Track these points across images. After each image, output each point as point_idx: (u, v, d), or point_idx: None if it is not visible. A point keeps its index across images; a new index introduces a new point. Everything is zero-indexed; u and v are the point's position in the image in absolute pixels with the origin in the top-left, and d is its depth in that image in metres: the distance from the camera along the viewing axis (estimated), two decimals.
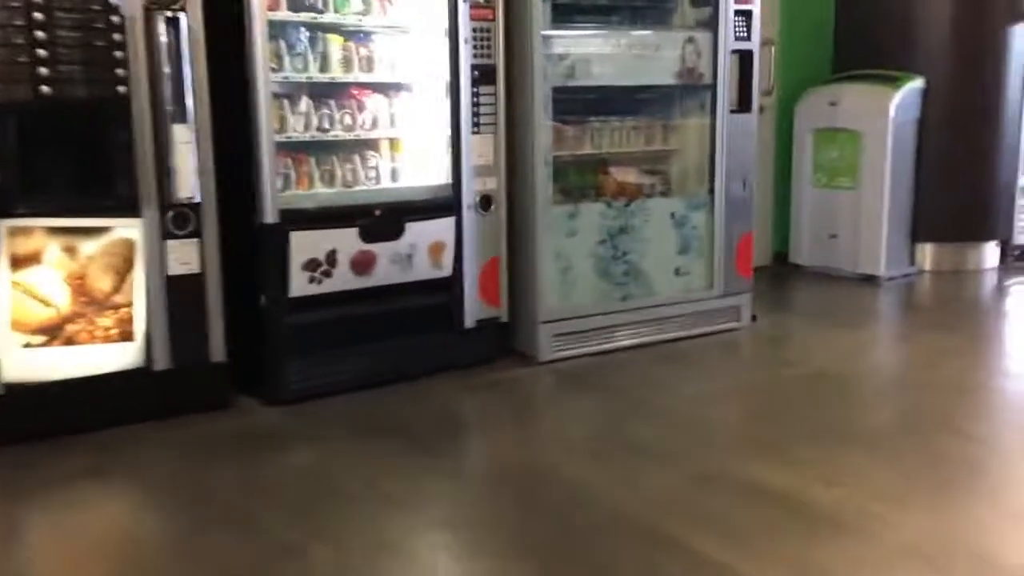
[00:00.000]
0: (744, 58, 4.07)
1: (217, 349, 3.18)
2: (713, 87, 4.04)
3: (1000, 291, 5.17)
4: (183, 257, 3.07)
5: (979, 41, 5.26)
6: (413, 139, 3.63)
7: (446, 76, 3.53)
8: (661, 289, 4.04)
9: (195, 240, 3.08)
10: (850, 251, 5.33)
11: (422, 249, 3.52)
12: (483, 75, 3.57)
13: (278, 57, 3.25)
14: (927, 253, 5.47)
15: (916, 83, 5.16)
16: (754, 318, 4.30)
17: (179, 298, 3.08)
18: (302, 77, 3.34)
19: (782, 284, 5.24)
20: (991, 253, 5.50)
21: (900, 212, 5.26)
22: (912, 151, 5.24)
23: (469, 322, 3.70)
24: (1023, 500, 2.57)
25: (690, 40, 3.99)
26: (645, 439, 2.98)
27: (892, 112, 5.09)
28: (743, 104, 4.10)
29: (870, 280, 5.24)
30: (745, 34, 4.05)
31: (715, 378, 3.66)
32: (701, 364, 3.84)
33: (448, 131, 3.56)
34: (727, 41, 4.01)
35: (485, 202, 3.66)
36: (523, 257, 3.80)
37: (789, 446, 2.88)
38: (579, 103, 3.87)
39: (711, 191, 4.10)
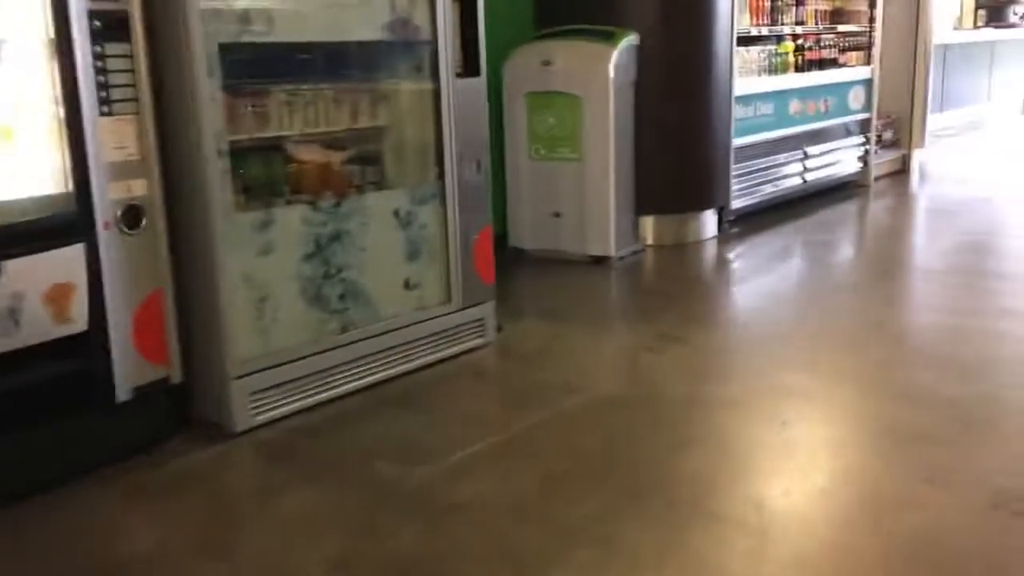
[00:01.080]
0: (466, 6, 3.20)
1: None
2: (433, 44, 3.12)
3: (722, 264, 4.83)
4: None
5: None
6: None
7: (49, 27, 2.28)
8: (389, 310, 3.09)
9: None
10: (576, 231, 4.71)
11: (33, 298, 2.27)
12: (108, 26, 2.37)
13: None
14: (649, 226, 5.01)
15: (631, 39, 4.61)
16: (500, 328, 3.50)
17: None
18: None
19: (510, 276, 4.50)
20: (710, 222, 5.17)
21: (625, 184, 4.72)
22: (632, 116, 4.70)
23: (123, 392, 2.52)
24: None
25: None
26: (408, 557, 2.06)
27: (611, 73, 4.50)
28: (470, 66, 3.23)
29: (601, 262, 4.67)
30: None
31: (480, 427, 2.79)
32: (454, 406, 2.96)
33: (61, 112, 2.33)
34: None
35: (131, 215, 2.48)
36: (198, 288, 2.67)
37: (628, 533, 2.09)
38: (259, 66, 2.77)
39: (440, 177, 3.20)
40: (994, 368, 3.11)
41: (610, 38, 4.56)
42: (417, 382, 3.10)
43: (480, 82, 3.26)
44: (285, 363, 2.80)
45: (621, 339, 3.61)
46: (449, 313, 3.27)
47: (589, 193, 4.65)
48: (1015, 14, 11.50)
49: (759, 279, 4.47)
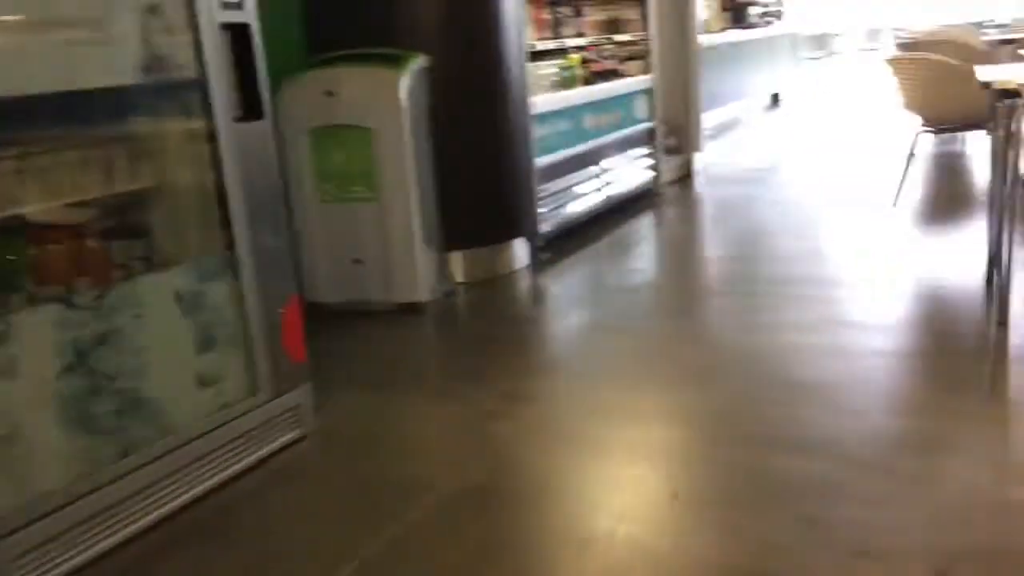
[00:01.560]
0: (240, 35, 2.63)
1: None
2: (203, 85, 2.53)
3: (543, 298, 4.51)
4: None
5: (472, 9, 4.46)
6: None
7: None
8: (182, 417, 2.48)
9: None
10: (381, 277, 4.22)
11: None
12: None
13: None
14: (459, 263, 4.61)
15: (420, 62, 4.18)
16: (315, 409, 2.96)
17: None
18: None
19: (312, 337, 3.91)
20: (522, 251, 4.84)
21: (429, 220, 4.28)
22: (429, 145, 4.27)
23: None
24: None
25: (152, 9, 2.43)
26: None
27: (404, 100, 4.04)
28: (251, 108, 2.66)
29: (413, 310, 4.21)
30: (236, 4, 2.61)
31: (310, 561, 2.24)
32: (274, 532, 2.39)
33: None
34: (211, 8, 2.53)
35: None
36: None
37: None
38: None
39: (230, 245, 2.62)
40: (863, 392, 2.95)
41: (397, 62, 4.11)
42: (225, 503, 2.50)
43: (265, 126, 2.71)
44: (51, 512, 2.14)
45: (462, 406, 3.15)
46: (258, 407, 2.70)
47: (391, 234, 4.17)
48: (756, 16, 12.15)
49: (583, 311, 4.18)
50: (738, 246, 5.11)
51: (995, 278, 3.72)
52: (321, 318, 4.18)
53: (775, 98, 12.64)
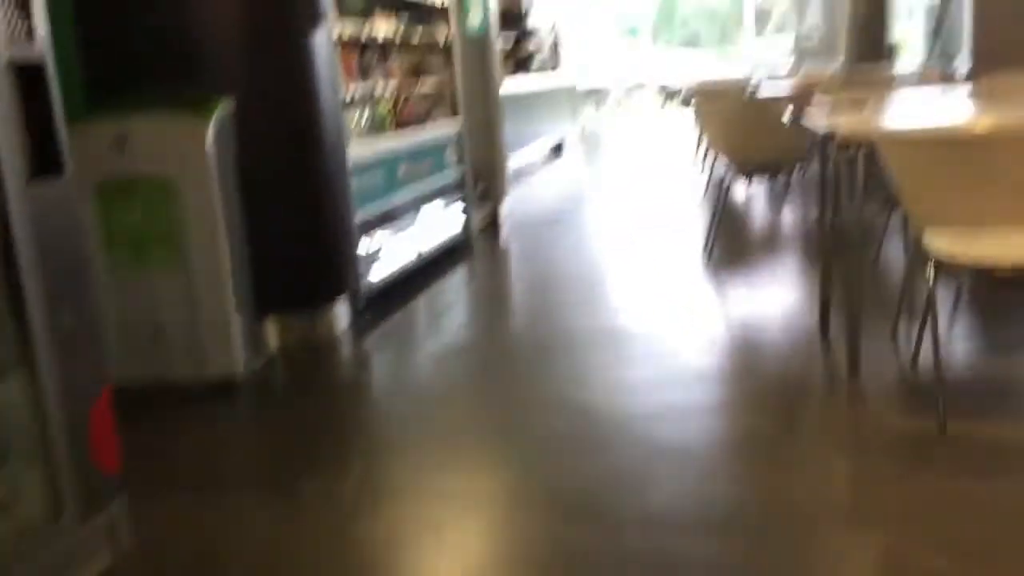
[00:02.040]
0: (31, 77, 2.13)
1: None
2: None
3: (371, 365, 4.15)
4: None
5: (281, 50, 4.06)
6: None
7: None
8: None
9: None
10: (187, 350, 3.69)
11: None
12: None
13: None
14: (276, 330, 4.15)
15: (227, 107, 3.73)
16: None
17: None
18: None
19: None
20: (343, 312, 4.44)
21: (242, 284, 3.81)
22: (239, 200, 3.81)
23: None
24: None
25: None
26: None
27: (211, 149, 3.58)
28: (48, 161, 2.16)
29: (226, 387, 3.70)
30: (26, 34, 2.11)
31: None
32: None
33: None
34: None
35: None
36: None
37: None
38: None
39: (21, 333, 2.08)
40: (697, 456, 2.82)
41: (201, 107, 3.64)
42: None
43: (64, 183, 2.21)
44: None
45: (318, 509, 2.68)
46: (62, 534, 2.16)
47: (199, 302, 3.66)
48: (537, 67, 12.38)
49: (412, 380, 3.86)
50: (554, 299, 4.96)
51: (830, 325, 3.77)
52: (118, 403, 3.57)
53: (558, 147, 12.91)
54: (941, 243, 2.64)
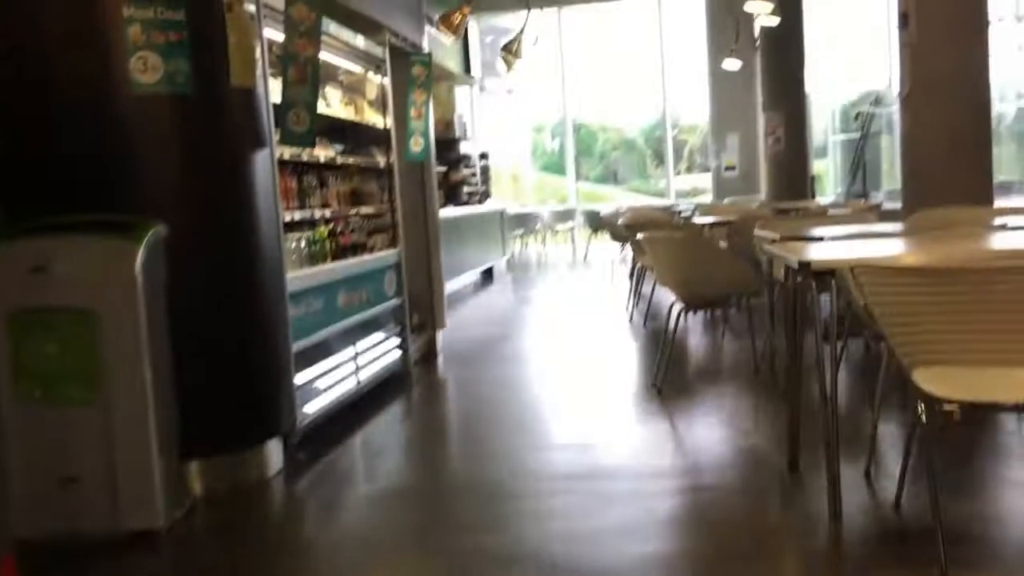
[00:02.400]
0: None
1: None
2: None
3: (306, 513, 3.79)
4: None
5: (219, 173, 3.84)
6: None
7: None
8: None
9: None
10: (102, 499, 3.29)
11: None
12: None
13: None
14: (201, 474, 3.78)
15: (158, 232, 3.46)
16: None
17: None
18: None
19: None
20: (276, 452, 4.08)
21: (166, 424, 3.46)
22: (167, 332, 3.50)
23: None
24: None
25: None
26: None
27: (139, 277, 3.29)
28: None
29: (146, 539, 3.29)
30: None
31: None
32: None
33: None
34: None
35: None
36: None
37: None
38: None
39: None
40: None
41: (130, 231, 3.36)
42: None
43: None
44: None
45: None
46: None
47: (119, 444, 3.29)
48: (467, 194, 12.44)
49: (351, 527, 3.52)
50: (497, 437, 4.68)
51: (800, 461, 3.59)
52: (23, 559, 3.13)
53: (488, 273, 12.85)
54: (936, 381, 2.49)
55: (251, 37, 3.89)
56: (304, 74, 4.07)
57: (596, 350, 7.01)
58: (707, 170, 25.02)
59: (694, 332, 7.23)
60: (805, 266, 2.94)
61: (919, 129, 5.97)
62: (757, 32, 14.36)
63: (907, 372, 2.60)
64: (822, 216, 6.31)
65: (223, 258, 3.81)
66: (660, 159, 27.48)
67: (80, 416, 3.28)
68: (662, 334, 7.26)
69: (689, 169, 23.81)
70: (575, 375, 6.01)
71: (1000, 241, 3.55)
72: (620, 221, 8.52)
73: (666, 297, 8.20)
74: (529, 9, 9.97)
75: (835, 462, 3.05)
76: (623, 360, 6.57)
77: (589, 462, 4.05)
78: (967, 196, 5.82)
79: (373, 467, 4.25)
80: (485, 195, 13.60)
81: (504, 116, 25.49)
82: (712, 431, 4.48)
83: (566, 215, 17.34)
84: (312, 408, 4.45)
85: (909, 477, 3.18)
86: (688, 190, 20.97)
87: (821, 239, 3.88)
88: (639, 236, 5.17)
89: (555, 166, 26.58)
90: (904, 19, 5.96)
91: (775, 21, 8.41)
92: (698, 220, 7.97)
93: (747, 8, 7.13)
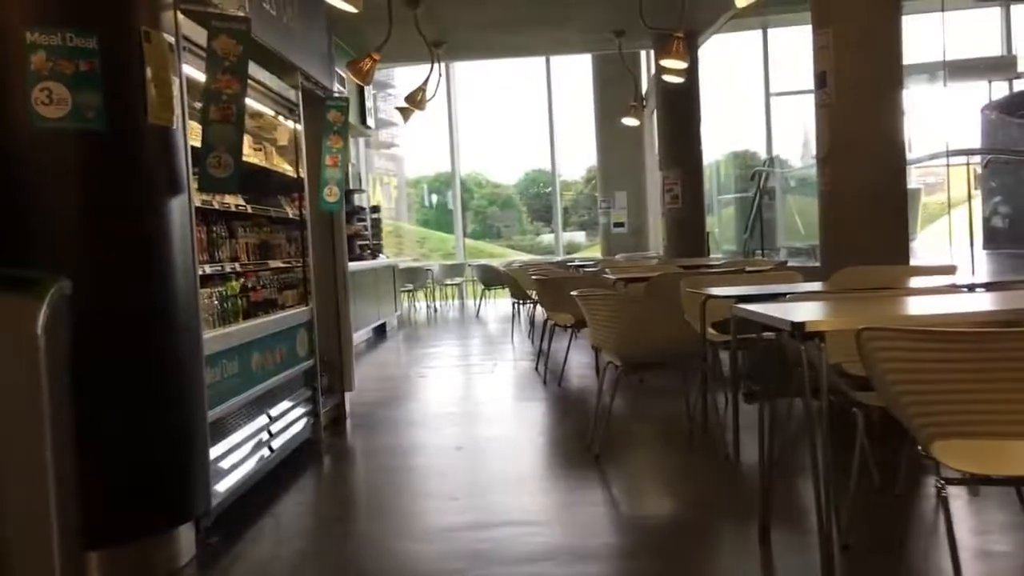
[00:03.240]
0: None
1: None
2: None
3: None
4: None
5: (129, 219, 3.39)
6: None
7: None
8: None
9: None
10: None
11: None
12: None
13: None
14: (99, 565, 3.26)
15: (63, 288, 2.99)
16: None
17: None
18: None
19: None
20: (187, 538, 3.58)
21: (66, 508, 2.94)
22: (67, 403, 3.00)
23: None
24: None
25: None
26: None
27: (42, 340, 2.80)
28: None
29: None
30: None
31: None
32: None
33: None
34: None
35: None
36: None
37: None
38: None
39: None
40: None
41: (31, 287, 2.88)
42: None
43: None
44: None
45: None
46: None
47: (12, 535, 2.77)
48: (360, 248, 12.01)
49: None
50: (416, 516, 4.26)
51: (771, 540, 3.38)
52: None
53: (381, 329, 12.41)
54: (960, 457, 2.31)
55: (169, 71, 3.49)
56: (228, 113, 3.68)
57: (513, 412, 6.71)
58: (582, 228, 25.43)
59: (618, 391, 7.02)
60: (799, 327, 2.74)
61: (838, 187, 6.02)
62: (644, 91, 14.65)
63: (924, 444, 2.41)
64: (740, 274, 6.24)
65: (133, 317, 3.34)
66: (536, 215, 27.76)
67: None
68: (580, 394, 7.05)
69: (566, 225, 24.06)
70: (496, 440, 5.68)
71: (988, 302, 3.48)
72: (532, 275, 8.31)
73: (576, 355, 8.01)
74: (434, 62, 9.81)
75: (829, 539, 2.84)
76: (546, 422, 6.29)
77: (530, 542, 3.69)
78: (886, 253, 5.89)
79: (290, 554, 3.79)
80: (378, 249, 13.21)
81: (384, 169, 25.18)
82: (662, 501, 4.24)
83: (455, 270, 17.09)
84: (224, 486, 3.96)
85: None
86: (566, 245, 21.12)
87: (784, 296, 3.73)
88: (573, 293, 4.93)
89: (433, 221, 26.43)
90: (822, 79, 6.04)
91: (681, 79, 8.47)
92: (609, 276, 7.82)
93: (664, 63, 7.11)
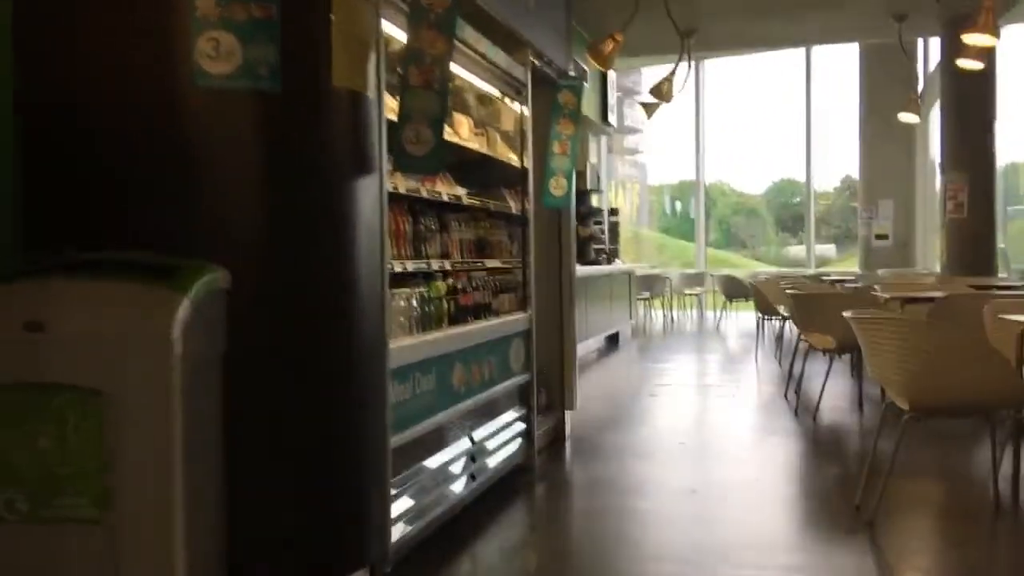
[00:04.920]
0: None
1: None
2: None
3: None
4: None
5: (306, 205, 2.80)
6: None
7: None
8: None
9: None
10: None
11: None
12: None
13: None
14: None
15: (214, 279, 2.44)
16: None
17: None
18: None
19: None
20: None
21: (203, 547, 2.40)
22: (218, 421, 2.46)
23: None
24: None
25: None
26: None
27: (177, 342, 2.26)
28: None
29: None
30: None
31: None
32: None
33: None
34: None
35: None
36: None
37: None
38: None
39: None
40: None
41: (172, 276, 2.35)
42: None
43: None
44: None
45: None
46: None
47: (125, 569, 2.25)
48: (595, 252, 11.33)
49: None
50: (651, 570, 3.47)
51: None
52: None
53: (614, 338, 11.63)
54: None
55: (363, 24, 2.89)
56: (431, 77, 3.03)
57: (757, 448, 5.72)
58: (833, 240, 23.44)
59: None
60: None
61: None
62: (921, 87, 12.90)
63: None
64: None
65: (305, 322, 2.75)
66: (782, 226, 26.04)
67: (80, 539, 2.25)
68: (840, 432, 5.94)
69: (816, 238, 22.32)
70: (736, 486, 4.71)
71: None
72: (785, 289, 7.24)
73: (833, 383, 6.81)
74: (684, 52, 8.87)
75: None
76: (799, 466, 5.25)
77: None
78: None
79: None
80: (614, 253, 12.47)
81: (627, 175, 24.43)
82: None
83: (695, 279, 16.00)
84: (408, 525, 3.32)
85: None
86: (816, 259, 19.40)
87: None
88: (846, 314, 3.91)
89: (674, 229, 25.43)
90: None
91: (980, 65, 7.06)
92: (879, 293, 6.59)
93: (966, 39, 5.83)
